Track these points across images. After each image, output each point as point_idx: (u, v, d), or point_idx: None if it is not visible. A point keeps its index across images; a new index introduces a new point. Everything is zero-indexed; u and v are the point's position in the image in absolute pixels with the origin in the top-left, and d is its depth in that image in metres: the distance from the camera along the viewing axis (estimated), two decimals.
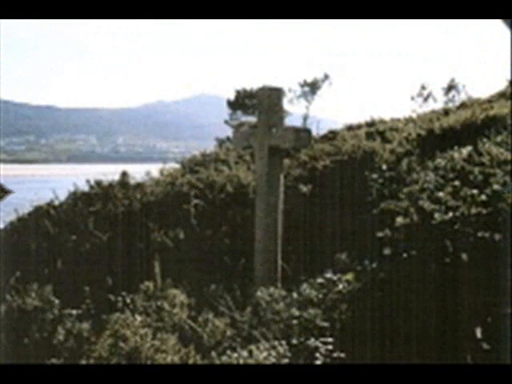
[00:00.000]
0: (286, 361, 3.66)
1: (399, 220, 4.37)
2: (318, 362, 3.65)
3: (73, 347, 4.79)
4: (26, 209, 7.82)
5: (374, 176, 6.08)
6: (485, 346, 3.44)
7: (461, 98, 15.89)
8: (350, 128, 9.77)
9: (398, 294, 3.94)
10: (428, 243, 4.06)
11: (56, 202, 7.71)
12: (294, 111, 30.00)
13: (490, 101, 8.49)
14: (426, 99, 17.74)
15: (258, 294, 4.64)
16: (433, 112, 9.67)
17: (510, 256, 3.63)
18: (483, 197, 4.11)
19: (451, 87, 18.33)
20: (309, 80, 30.46)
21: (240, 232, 6.22)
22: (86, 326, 4.94)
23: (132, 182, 7.73)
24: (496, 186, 4.16)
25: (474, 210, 4.04)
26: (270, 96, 5.44)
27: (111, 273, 6.09)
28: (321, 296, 4.31)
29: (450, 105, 12.84)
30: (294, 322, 4.07)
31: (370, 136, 7.89)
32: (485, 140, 5.27)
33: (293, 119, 25.14)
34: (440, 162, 5.11)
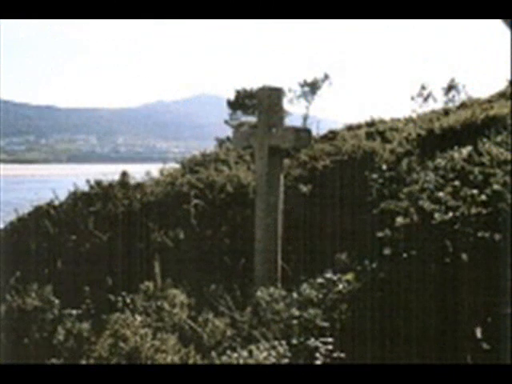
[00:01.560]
0: (286, 361, 3.65)
1: (399, 220, 4.37)
2: (318, 362, 3.65)
3: (73, 347, 4.78)
4: (26, 209, 7.82)
5: (374, 176, 6.08)
6: (485, 346, 3.44)
7: (461, 98, 15.90)
8: (350, 128, 9.76)
9: (398, 294, 3.93)
10: (428, 243, 4.06)
11: (56, 202, 7.71)
12: (294, 111, 29.98)
13: (490, 101, 8.49)
14: (425, 99, 17.76)
15: (258, 293, 4.63)
16: (433, 112, 9.66)
17: (510, 256, 3.63)
18: (483, 197, 4.11)
19: (451, 87, 18.33)
20: (309, 80, 30.44)
21: (240, 232, 6.21)
22: (86, 325, 4.94)
23: (132, 182, 7.73)
24: (496, 186, 4.15)
25: (474, 210, 4.04)
26: (270, 96, 5.43)
27: (111, 273, 6.08)
28: (321, 296, 4.30)
29: (450, 105, 12.84)
30: (294, 321, 4.07)
31: (370, 136, 7.89)
32: (485, 140, 5.27)
33: (293, 119, 25.11)
34: (440, 161, 5.11)
